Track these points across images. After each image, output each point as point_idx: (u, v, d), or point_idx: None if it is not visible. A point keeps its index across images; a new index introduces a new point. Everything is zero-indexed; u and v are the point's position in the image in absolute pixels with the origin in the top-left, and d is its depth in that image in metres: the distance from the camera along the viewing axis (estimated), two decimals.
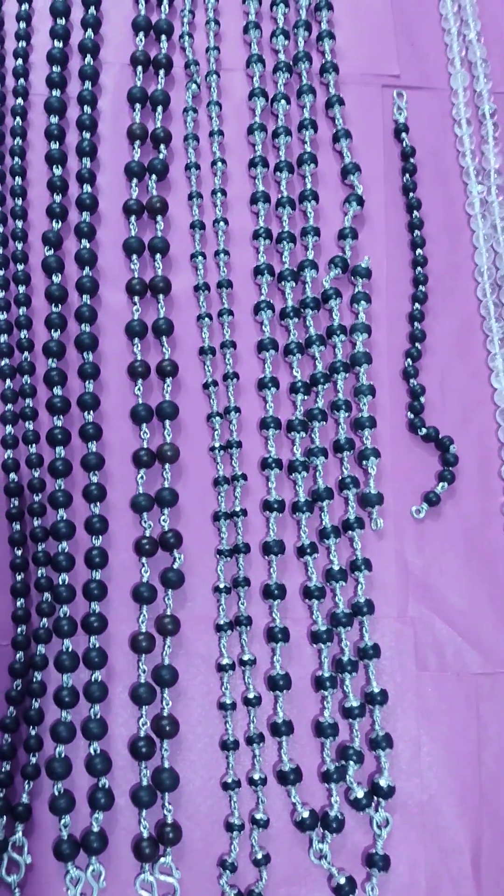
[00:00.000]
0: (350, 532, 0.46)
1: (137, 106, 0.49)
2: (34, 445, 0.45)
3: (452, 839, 0.43)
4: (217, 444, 0.47)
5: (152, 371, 0.47)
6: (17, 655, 0.43)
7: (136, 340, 0.47)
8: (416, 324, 0.50)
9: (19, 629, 0.43)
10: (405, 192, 0.52)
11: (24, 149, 0.48)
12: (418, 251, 0.51)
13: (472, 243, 0.52)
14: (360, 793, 0.43)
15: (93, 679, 0.42)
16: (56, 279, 0.46)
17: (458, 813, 0.44)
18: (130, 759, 0.42)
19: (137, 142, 0.49)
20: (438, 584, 0.47)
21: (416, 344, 0.49)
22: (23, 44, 0.50)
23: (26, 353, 0.46)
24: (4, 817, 0.41)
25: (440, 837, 0.43)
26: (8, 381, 0.46)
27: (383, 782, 0.43)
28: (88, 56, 0.49)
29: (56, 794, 0.41)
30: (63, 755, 0.42)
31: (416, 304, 0.50)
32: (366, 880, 0.42)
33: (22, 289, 0.47)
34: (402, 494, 0.48)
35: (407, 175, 0.52)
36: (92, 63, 0.49)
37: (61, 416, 0.45)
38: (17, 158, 0.48)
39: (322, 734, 0.43)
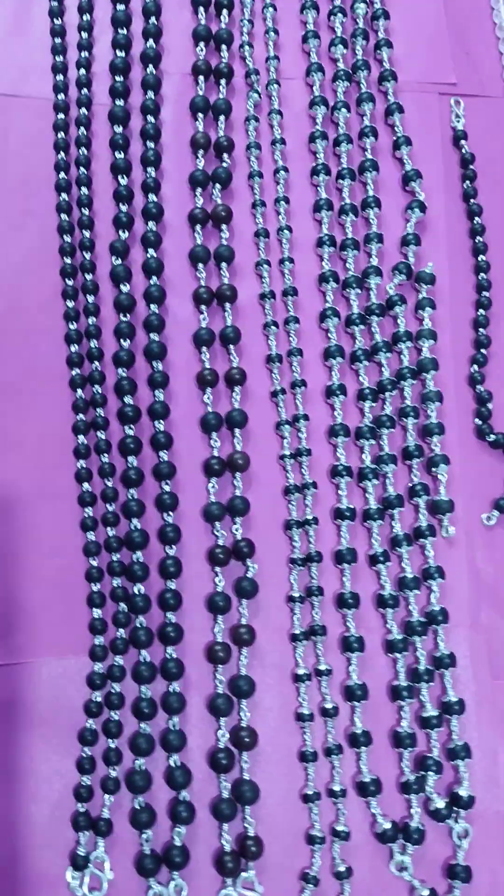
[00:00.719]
0: (422, 540, 0.46)
1: (200, 115, 0.50)
2: (106, 455, 0.46)
3: None
4: (287, 452, 0.47)
5: (220, 379, 0.47)
6: (96, 667, 0.43)
7: (204, 349, 0.47)
8: (480, 329, 0.51)
9: (97, 640, 0.43)
10: (465, 199, 0.53)
11: (89, 159, 0.49)
12: (480, 257, 0.52)
13: None
14: (440, 803, 0.43)
15: (171, 690, 0.43)
16: (124, 289, 0.47)
17: None
18: (210, 771, 0.43)
19: (201, 151, 0.50)
20: None
21: (482, 349, 0.50)
22: (85, 54, 0.51)
23: (96, 363, 0.47)
24: (86, 832, 0.41)
25: None
26: (79, 391, 0.46)
27: (463, 792, 0.43)
28: (150, 66, 0.50)
29: (137, 807, 0.42)
30: (143, 768, 0.42)
31: (481, 310, 0.51)
32: (448, 892, 0.43)
33: (91, 298, 0.47)
34: (471, 501, 0.48)
35: (467, 181, 0.53)
36: (154, 73, 0.50)
37: (132, 426, 0.46)
38: (82, 168, 0.49)
39: (400, 744, 0.44)
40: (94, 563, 0.44)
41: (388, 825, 0.43)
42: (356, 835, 0.43)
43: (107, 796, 0.42)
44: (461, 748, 0.44)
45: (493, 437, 0.49)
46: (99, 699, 0.43)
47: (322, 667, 0.45)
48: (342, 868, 0.42)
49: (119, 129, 0.49)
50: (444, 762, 0.44)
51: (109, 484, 0.45)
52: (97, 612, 0.44)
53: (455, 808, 0.43)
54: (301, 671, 0.44)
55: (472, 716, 0.45)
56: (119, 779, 0.42)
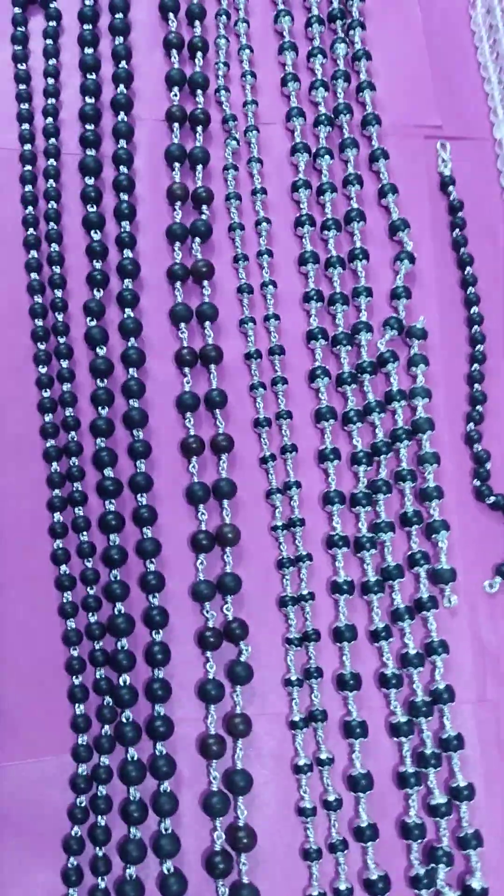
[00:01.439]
0: (423, 612, 0.45)
1: (176, 164, 0.49)
2: (85, 533, 0.44)
3: None
4: (279, 523, 0.46)
5: (206, 447, 0.46)
6: (79, 768, 0.41)
7: (189, 414, 0.46)
8: (475, 385, 0.50)
9: (80, 739, 0.41)
10: (455, 248, 0.52)
11: (59, 212, 0.48)
12: (473, 309, 0.51)
13: None
14: None
15: (161, 790, 0.41)
16: (101, 352, 0.45)
17: None
18: (206, 875, 0.41)
19: (178, 202, 0.48)
20: None
21: (478, 406, 0.49)
22: (52, 101, 0.49)
23: (72, 433, 0.45)
24: None
25: None
26: (54, 463, 0.44)
27: (476, 884, 0.42)
28: (122, 112, 0.49)
29: None
30: (135, 876, 0.40)
31: (475, 364, 0.50)
32: None
33: (65, 363, 0.46)
34: (472, 567, 0.47)
35: (457, 230, 0.52)
36: (126, 120, 0.49)
37: (113, 500, 0.44)
38: (52, 223, 0.47)
39: (409, 836, 0.42)
40: (75, 653, 0.42)
41: None
42: None
43: None
44: (472, 836, 0.43)
45: (492, 498, 0.48)
46: (84, 803, 0.41)
47: (323, 755, 0.43)
48: None
49: (90, 181, 0.48)
50: (455, 851, 0.42)
51: (89, 565, 0.43)
52: (79, 708, 0.42)
53: None
54: (302, 761, 0.43)
55: (482, 799, 0.44)
56: (109, 889, 0.40)
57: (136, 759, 0.41)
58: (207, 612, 0.44)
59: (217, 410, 0.46)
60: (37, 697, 0.42)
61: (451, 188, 0.53)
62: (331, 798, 0.42)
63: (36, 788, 0.41)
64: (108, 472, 0.44)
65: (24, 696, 0.42)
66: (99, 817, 0.40)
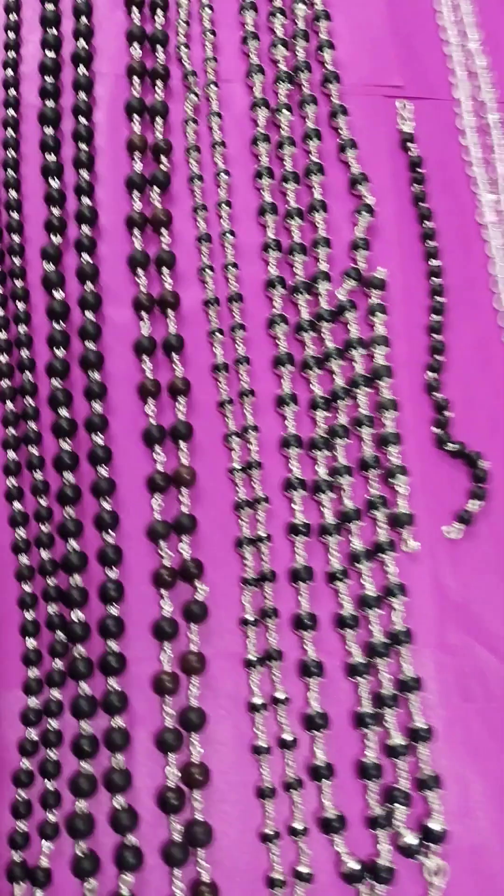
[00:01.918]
0: (382, 555, 0.46)
1: (136, 117, 0.51)
2: (39, 471, 0.45)
3: None
4: (236, 465, 0.47)
5: (163, 390, 0.47)
6: (30, 702, 0.42)
7: (146, 358, 0.47)
8: (434, 335, 0.51)
9: (30, 673, 0.42)
10: (415, 203, 0.54)
11: (17, 160, 0.49)
12: (433, 261, 0.52)
13: (485, 253, 0.54)
14: (410, 838, 0.42)
15: (114, 725, 0.41)
16: (58, 295, 0.47)
17: None
18: (158, 812, 0.41)
19: (137, 153, 0.50)
20: (477, 607, 0.47)
21: (437, 356, 0.51)
22: (12, 54, 0.51)
23: (27, 373, 0.46)
24: (21, 883, 0.39)
25: (498, 884, 0.43)
26: (9, 402, 0.45)
27: (435, 826, 0.42)
28: (82, 66, 0.51)
29: (79, 854, 0.40)
30: (85, 810, 0.40)
31: (434, 315, 0.51)
32: None
33: (21, 305, 0.47)
34: (432, 513, 0.48)
35: (416, 184, 0.54)
36: (86, 73, 0.51)
37: (68, 439, 0.45)
38: (10, 171, 0.49)
39: (366, 776, 0.43)
40: (28, 589, 0.43)
41: (354, 864, 0.42)
42: (320, 876, 0.42)
43: (45, 843, 0.40)
44: (431, 778, 0.43)
45: (452, 446, 0.49)
46: (34, 737, 0.41)
47: (279, 694, 0.44)
48: None
49: (50, 131, 0.50)
50: (414, 794, 0.43)
51: (43, 503, 0.44)
52: (31, 642, 0.42)
53: (427, 843, 0.42)
54: (257, 700, 0.44)
55: (442, 742, 0.44)
56: (58, 823, 0.40)
57: (88, 693, 0.42)
58: (163, 551, 0.45)
59: (174, 354, 0.47)
60: None
61: (411, 145, 0.55)
62: (287, 737, 0.43)
63: None
64: (64, 412, 0.45)
65: None
66: (49, 751, 0.41)
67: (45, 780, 0.41)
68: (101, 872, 0.40)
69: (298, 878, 0.41)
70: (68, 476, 0.44)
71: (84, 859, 0.40)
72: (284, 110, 0.53)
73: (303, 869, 0.41)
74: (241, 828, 0.42)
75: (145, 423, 0.47)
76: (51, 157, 0.49)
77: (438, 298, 0.52)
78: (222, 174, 0.51)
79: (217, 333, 0.49)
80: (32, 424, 0.45)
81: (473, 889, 0.42)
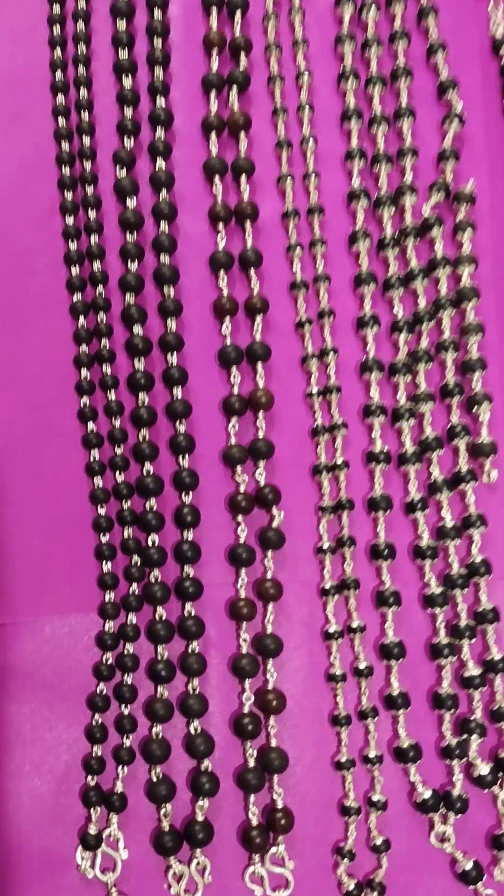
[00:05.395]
0: (462, 485, 0.42)
1: (214, 11, 0.44)
2: (113, 392, 0.40)
3: None
4: (314, 390, 0.42)
5: (240, 308, 0.42)
6: (106, 625, 0.38)
7: (222, 273, 0.42)
8: None
9: (107, 596, 0.39)
10: None
11: (88, 57, 0.43)
12: None
13: None
14: (484, 769, 0.39)
15: (190, 650, 0.38)
16: (131, 203, 0.41)
17: None
18: (233, 738, 0.39)
19: (215, 50, 0.44)
20: None
21: None
22: None
23: (100, 288, 0.41)
24: (98, 808, 0.37)
25: None
26: (81, 318, 0.41)
27: None
28: None
29: (154, 779, 0.37)
30: (160, 736, 0.38)
31: None
32: (492, 864, 0.39)
33: (93, 214, 0.42)
34: None
35: None
36: None
37: (142, 359, 0.40)
38: (81, 67, 0.43)
39: (441, 706, 0.40)
40: (102, 512, 0.40)
41: (428, 793, 0.39)
42: (393, 804, 0.39)
43: (120, 768, 0.38)
44: None
45: None
46: (110, 661, 0.38)
47: (355, 623, 0.40)
48: (379, 841, 0.38)
49: (122, 25, 0.43)
50: (489, 724, 0.40)
51: (117, 424, 0.40)
52: (107, 566, 0.39)
53: (500, 774, 0.39)
54: (332, 628, 0.40)
55: None
56: (133, 748, 0.38)
57: (163, 618, 0.38)
58: (239, 476, 0.40)
59: (252, 270, 0.42)
60: (64, 555, 0.40)
61: (503, 50, 0.47)
62: (362, 665, 0.40)
63: (62, 645, 0.39)
64: (138, 329, 0.40)
65: (50, 553, 0.40)
66: (125, 675, 0.38)
67: (121, 705, 0.38)
68: (177, 798, 0.38)
69: (372, 806, 0.39)
70: (143, 397, 0.40)
71: (159, 784, 0.37)
72: (371, 7, 0.46)
73: (376, 797, 0.39)
74: (315, 755, 0.39)
75: (221, 344, 0.42)
76: (123, 54, 0.43)
77: None
78: (304, 75, 0.45)
79: (296, 248, 0.43)
80: (105, 342, 0.41)
81: None
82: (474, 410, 0.42)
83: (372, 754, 0.39)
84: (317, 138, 0.44)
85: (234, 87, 0.44)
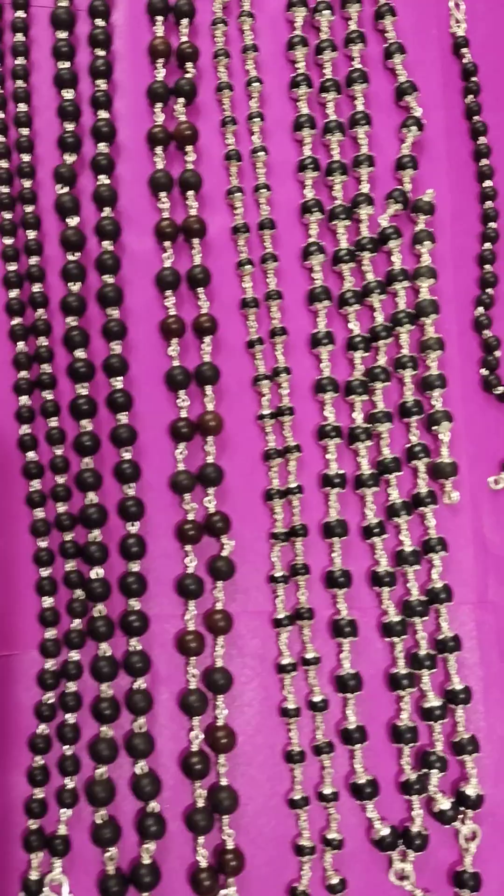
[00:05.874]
0: (421, 508, 0.40)
1: (159, 18, 0.42)
2: (55, 418, 0.39)
3: None
4: (266, 412, 0.41)
5: (188, 328, 0.41)
6: (47, 663, 0.37)
7: (169, 293, 0.40)
8: (486, 266, 0.44)
9: (48, 633, 0.37)
10: (468, 116, 0.45)
11: (27, 70, 0.42)
12: (486, 182, 0.45)
13: None
14: (445, 804, 0.38)
15: (135, 687, 0.37)
16: (72, 222, 0.40)
17: None
18: (182, 777, 0.37)
19: (160, 59, 0.42)
20: None
21: (488, 289, 0.43)
22: None
23: (41, 311, 0.40)
24: (39, 853, 0.36)
25: None
26: (20, 343, 0.39)
27: (470, 791, 0.38)
28: None
29: (99, 822, 0.36)
30: (105, 777, 0.36)
31: (486, 244, 0.44)
32: None
33: (32, 234, 0.40)
34: (476, 462, 0.42)
35: (470, 95, 0.45)
36: None
37: (85, 384, 0.39)
38: (19, 81, 0.41)
39: (400, 739, 0.38)
40: (44, 545, 0.38)
41: (386, 830, 0.38)
42: (350, 842, 0.38)
43: (63, 810, 0.36)
44: (468, 741, 0.39)
45: (501, 389, 0.42)
46: (52, 700, 0.37)
47: (309, 655, 0.39)
48: (335, 880, 0.37)
49: (63, 35, 0.41)
50: (449, 757, 0.39)
51: (59, 452, 0.38)
52: (48, 601, 0.38)
53: (461, 809, 0.38)
54: (286, 660, 0.39)
55: (480, 704, 0.40)
56: (77, 790, 0.37)
57: (108, 654, 0.37)
58: (187, 504, 0.39)
59: (200, 289, 0.41)
60: (3, 590, 0.38)
61: (464, 51, 0.46)
62: (317, 699, 0.38)
63: (1, 685, 0.37)
64: (80, 352, 0.39)
65: None
66: (68, 715, 0.37)
67: (64, 746, 0.36)
68: (124, 839, 0.36)
69: (327, 845, 0.37)
70: (86, 424, 0.38)
71: (104, 827, 0.36)
72: (324, 10, 0.44)
73: (332, 835, 0.38)
74: (268, 793, 0.38)
75: (168, 366, 0.40)
76: (64, 65, 0.41)
77: (491, 224, 0.44)
78: (254, 83, 0.43)
79: (246, 265, 0.42)
80: (46, 367, 0.39)
81: None
82: (434, 430, 0.41)
83: (327, 791, 0.38)
84: (268, 149, 0.43)
85: (181, 98, 0.42)
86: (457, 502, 0.41)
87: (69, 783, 0.36)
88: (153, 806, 0.36)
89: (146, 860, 0.36)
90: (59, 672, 0.37)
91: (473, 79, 0.46)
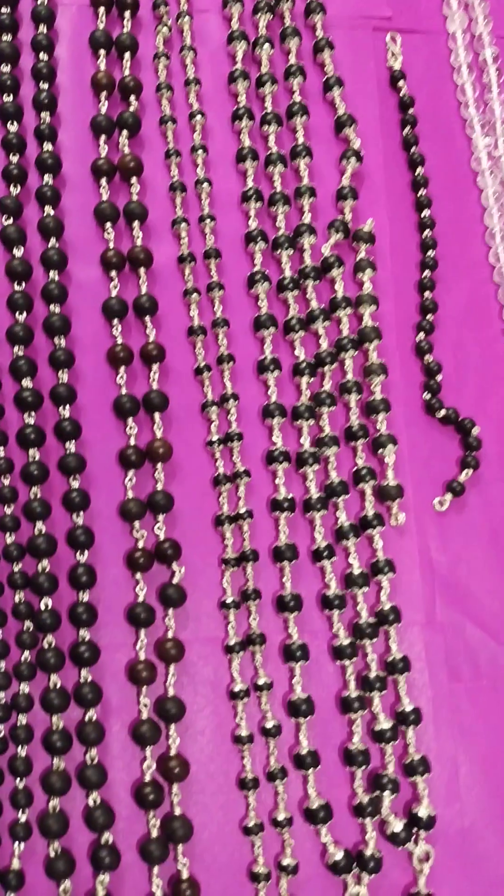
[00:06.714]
0: (369, 530, 0.41)
1: (102, 52, 0.43)
2: (2, 448, 0.39)
3: (498, 867, 0.39)
4: (215, 438, 0.41)
5: (135, 356, 0.41)
6: None
7: (116, 321, 0.41)
8: (426, 293, 0.45)
9: None
10: (406, 147, 0.47)
11: None
12: (425, 212, 0.46)
13: (480, 203, 0.47)
14: (397, 826, 0.38)
15: (87, 718, 0.37)
16: (18, 253, 0.40)
17: (502, 838, 0.39)
18: (136, 808, 0.37)
19: (104, 93, 0.43)
20: (466, 582, 0.43)
21: (428, 316, 0.45)
22: None
23: None
24: None
25: (484, 866, 0.39)
26: None
27: (423, 812, 0.39)
28: None
29: (52, 855, 0.36)
30: (58, 809, 0.36)
31: (426, 272, 0.45)
32: None
33: None
34: (421, 484, 0.43)
35: (408, 127, 0.47)
36: (46, 3, 0.43)
37: (33, 413, 0.39)
38: None
39: (352, 763, 0.39)
40: None
41: (340, 854, 0.38)
42: (305, 867, 0.38)
43: (16, 844, 0.36)
44: (419, 762, 0.39)
45: (443, 412, 0.43)
46: (2, 734, 0.36)
47: (262, 680, 0.39)
48: None
49: (6, 69, 0.42)
50: (402, 779, 0.39)
51: (6, 482, 0.38)
52: None
53: (414, 830, 0.38)
54: (238, 687, 0.39)
55: (430, 725, 0.40)
56: (30, 823, 0.36)
57: (58, 686, 0.37)
58: (137, 531, 0.39)
59: (147, 317, 0.41)
60: None
61: (401, 83, 0.48)
62: (269, 724, 0.39)
63: None
64: (27, 382, 0.39)
65: None
66: (19, 747, 0.36)
67: (15, 779, 0.36)
68: (76, 873, 0.36)
69: (282, 871, 0.37)
70: (33, 453, 0.39)
71: (58, 860, 0.35)
72: (264, 44, 0.45)
73: (287, 861, 0.37)
74: (222, 821, 0.38)
75: (116, 394, 0.40)
76: (8, 98, 0.42)
77: (430, 253, 0.46)
78: (197, 115, 0.44)
79: (193, 293, 0.42)
80: None
81: (460, 874, 0.39)
82: (380, 453, 0.42)
83: (281, 817, 0.38)
84: (211, 180, 0.44)
85: (125, 130, 0.43)
86: (403, 524, 0.42)
87: (21, 816, 0.36)
88: (107, 837, 0.36)
89: (101, 892, 0.35)
90: (10, 705, 0.37)
91: (410, 111, 0.47)
